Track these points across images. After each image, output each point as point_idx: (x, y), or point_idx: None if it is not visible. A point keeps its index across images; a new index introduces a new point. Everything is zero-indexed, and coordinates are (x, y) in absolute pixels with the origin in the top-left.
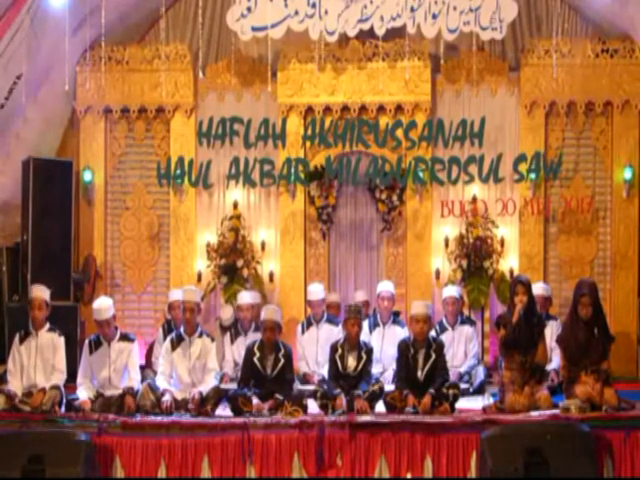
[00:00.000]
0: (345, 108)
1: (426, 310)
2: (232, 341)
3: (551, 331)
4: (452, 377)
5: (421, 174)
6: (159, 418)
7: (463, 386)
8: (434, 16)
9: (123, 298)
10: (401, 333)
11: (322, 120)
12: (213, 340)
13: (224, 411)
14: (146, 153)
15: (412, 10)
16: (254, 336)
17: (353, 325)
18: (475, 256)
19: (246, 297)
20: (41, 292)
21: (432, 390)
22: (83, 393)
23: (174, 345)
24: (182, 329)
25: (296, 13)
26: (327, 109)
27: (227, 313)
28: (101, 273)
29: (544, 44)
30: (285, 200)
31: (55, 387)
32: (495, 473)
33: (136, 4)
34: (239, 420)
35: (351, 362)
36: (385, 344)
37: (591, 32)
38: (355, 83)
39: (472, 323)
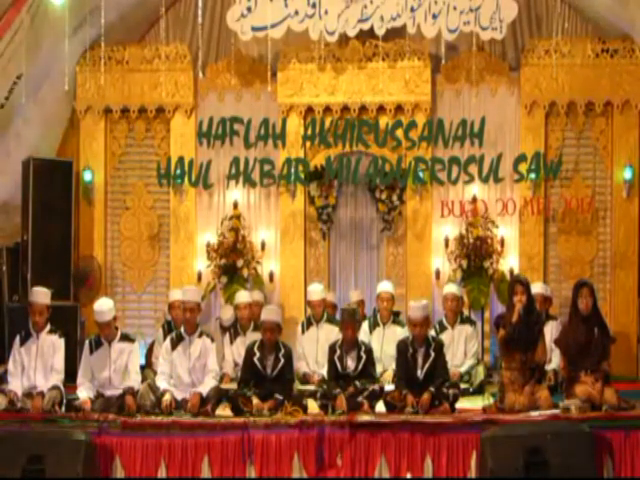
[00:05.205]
0: (345, 108)
1: (423, 312)
2: (232, 341)
3: (551, 331)
4: (452, 377)
5: (421, 174)
6: (159, 418)
7: (463, 386)
8: (434, 16)
9: (123, 298)
10: (401, 333)
11: (322, 120)
12: (213, 340)
13: (224, 411)
14: (146, 153)
15: (412, 10)
16: (253, 336)
17: (347, 328)
18: (475, 256)
19: (244, 296)
20: (42, 297)
21: (432, 388)
22: (83, 393)
23: (174, 344)
24: (182, 329)
25: (296, 13)
26: (327, 109)
27: (227, 313)
28: (98, 276)
29: (544, 44)
30: (285, 200)
31: (55, 387)
32: (495, 473)
33: (136, 4)
34: (239, 420)
35: (350, 362)
36: (385, 344)
37: (591, 32)
38: (355, 83)
39: (472, 323)
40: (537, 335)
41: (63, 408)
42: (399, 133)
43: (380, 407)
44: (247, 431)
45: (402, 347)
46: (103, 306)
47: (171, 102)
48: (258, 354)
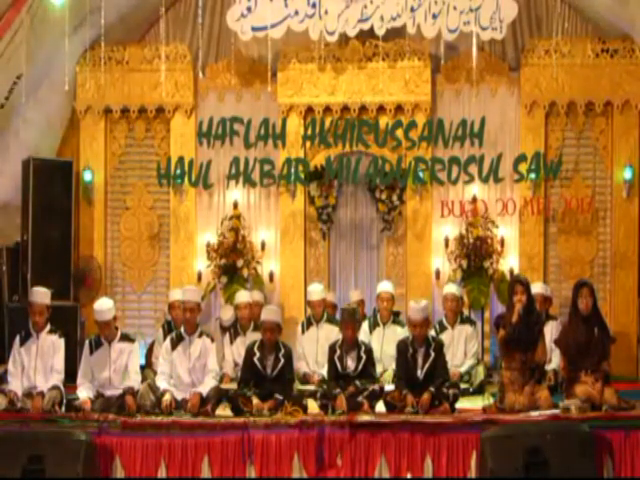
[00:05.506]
0: (345, 108)
1: (423, 313)
2: (232, 341)
3: (551, 331)
4: (452, 377)
5: (421, 174)
6: (159, 418)
7: (463, 386)
8: (434, 16)
9: (123, 298)
10: (401, 333)
11: (322, 120)
12: (213, 340)
13: (224, 411)
14: (146, 153)
15: (412, 10)
16: (253, 336)
17: (347, 328)
18: (475, 256)
19: (244, 296)
20: (41, 297)
21: (432, 388)
22: (83, 393)
23: (174, 344)
24: (182, 329)
25: (296, 13)
26: (327, 109)
27: (227, 313)
28: (97, 277)
29: (544, 44)
30: (285, 200)
31: (55, 387)
32: (495, 473)
33: (136, 4)
34: (239, 420)
35: (350, 362)
36: (385, 344)
37: (591, 32)
38: (355, 83)
39: (472, 323)
40: (537, 335)
41: (63, 408)
42: (399, 133)
43: (380, 407)
44: (247, 431)
45: (402, 347)
46: (103, 306)
47: (171, 102)
48: (258, 354)
